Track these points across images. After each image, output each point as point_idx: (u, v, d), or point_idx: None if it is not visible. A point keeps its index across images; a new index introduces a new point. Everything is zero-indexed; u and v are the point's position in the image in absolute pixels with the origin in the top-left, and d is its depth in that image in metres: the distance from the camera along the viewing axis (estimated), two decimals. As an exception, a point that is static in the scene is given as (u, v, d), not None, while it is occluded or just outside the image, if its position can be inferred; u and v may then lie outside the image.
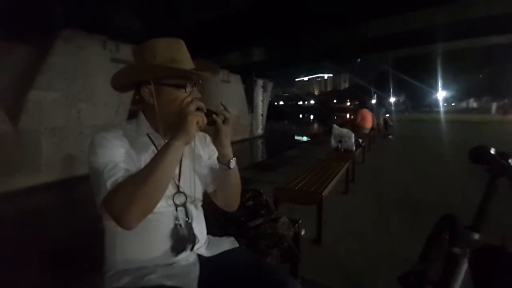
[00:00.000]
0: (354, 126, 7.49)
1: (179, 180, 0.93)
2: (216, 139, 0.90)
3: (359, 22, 8.98)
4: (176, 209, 0.90)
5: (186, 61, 0.90)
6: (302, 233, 1.61)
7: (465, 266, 1.09)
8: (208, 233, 1.03)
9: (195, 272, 0.91)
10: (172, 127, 0.84)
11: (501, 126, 16.39)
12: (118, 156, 0.83)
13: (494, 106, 39.78)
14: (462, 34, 11.13)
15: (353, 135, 4.52)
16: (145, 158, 0.85)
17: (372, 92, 29.20)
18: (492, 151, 1.11)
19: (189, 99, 0.84)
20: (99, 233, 0.92)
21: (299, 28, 8.81)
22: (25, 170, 6.15)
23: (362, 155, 5.66)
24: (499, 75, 32.22)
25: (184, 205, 0.92)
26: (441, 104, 36.93)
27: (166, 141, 0.83)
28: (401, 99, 44.13)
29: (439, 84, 33.29)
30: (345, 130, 4.66)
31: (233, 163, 0.93)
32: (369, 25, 9.23)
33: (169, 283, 0.83)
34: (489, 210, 1.12)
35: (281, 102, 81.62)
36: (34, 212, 5.12)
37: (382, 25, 9.28)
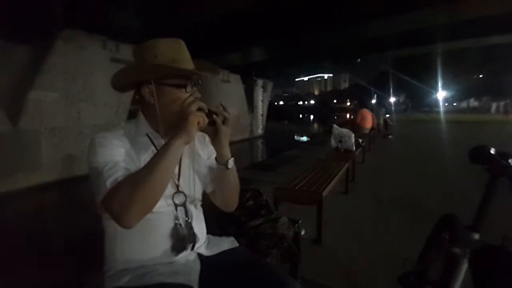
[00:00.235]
0: (354, 126, 7.49)
1: (178, 179, 0.93)
2: (215, 139, 0.91)
3: (359, 22, 8.97)
4: (176, 209, 0.90)
5: (187, 62, 0.90)
6: (302, 233, 1.61)
7: (465, 266, 1.09)
8: (208, 233, 1.04)
9: (196, 269, 0.92)
10: (172, 127, 0.84)
11: (502, 126, 16.38)
12: (118, 155, 0.83)
13: (493, 106, 39.80)
14: (462, 34, 11.13)
15: (353, 135, 4.52)
16: (145, 158, 0.85)
17: (372, 92, 29.20)
18: (492, 151, 1.11)
19: (190, 99, 0.85)
20: (99, 233, 0.92)
21: (299, 28, 8.81)
22: (25, 170, 6.15)
23: (362, 155, 5.66)
24: (499, 75, 32.22)
25: (183, 204, 0.92)
26: (441, 104, 36.92)
27: (165, 141, 0.83)
28: (401, 99, 44.12)
29: (439, 84, 33.30)
30: (345, 130, 4.66)
31: (231, 163, 0.94)
32: (369, 25, 9.23)
33: (170, 280, 0.83)
34: (489, 210, 1.12)
35: (281, 102, 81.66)
36: (34, 212, 5.12)
37: (382, 25, 9.28)
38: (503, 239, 1.00)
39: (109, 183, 0.77)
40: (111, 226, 0.83)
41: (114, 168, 0.79)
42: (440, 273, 1.18)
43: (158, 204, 0.81)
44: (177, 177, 0.93)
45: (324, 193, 2.39)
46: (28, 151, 6.26)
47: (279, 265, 1.32)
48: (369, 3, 7.73)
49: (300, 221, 1.60)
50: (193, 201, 0.96)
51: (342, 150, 4.41)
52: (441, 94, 36.92)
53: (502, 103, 38.11)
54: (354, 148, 4.47)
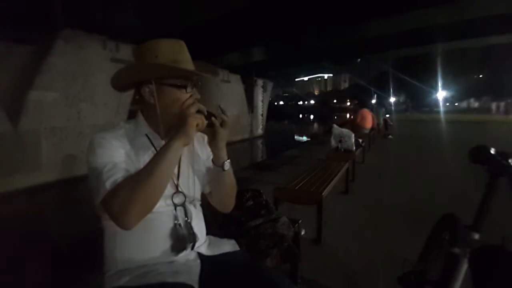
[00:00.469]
0: (354, 126, 7.49)
1: (177, 179, 0.93)
2: (212, 141, 0.91)
3: (359, 22, 8.98)
4: (175, 209, 0.91)
5: (187, 62, 0.90)
6: (302, 233, 1.61)
7: (465, 266, 1.09)
8: (208, 233, 1.04)
9: (196, 268, 0.92)
10: (172, 127, 0.85)
11: (503, 126, 16.38)
12: (117, 156, 0.83)
13: (493, 106, 39.79)
14: (462, 34, 11.15)
15: (353, 135, 4.52)
16: (144, 158, 0.85)
17: (372, 92, 29.19)
18: (492, 151, 1.11)
19: (190, 101, 0.85)
20: (99, 233, 0.92)
21: (299, 28, 8.81)
22: (25, 170, 6.15)
23: (362, 155, 5.66)
24: (499, 75, 32.23)
25: (183, 204, 0.92)
26: (441, 104, 36.93)
27: (165, 141, 0.84)
28: (401, 99, 44.13)
29: (439, 84, 33.31)
30: (345, 130, 4.66)
31: (227, 165, 0.94)
32: (369, 25, 9.24)
33: (170, 280, 0.83)
34: (489, 210, 1.12)
35: (281, 102, 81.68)
36: (34, 212, 5.12)
37: (382, 25, 9.29)
38: (503, 239, 1.00)
39: (108, 184, 0.77)
40: (110, 226, 0.83)
41: (113, 169, 0.79)
42: (440, 273, 1.18)
43: (157, 204, 0.81)
44: (176, 177, 0.93)
45: (324, 193, 2.39)
46: (28, 151, 6.25)
47: (278, 267, 1.32)
48: (369, 3, 7.73)
49: (300, 221, 1.60)
50: (192, 201, 0.96)
51: (342, 150, 4.41)
52: (441, 94, 36.93)
53: (502, 103, 38.12)
54: (354, 148, 4.46)
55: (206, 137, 1.04)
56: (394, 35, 10.09)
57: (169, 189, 0.89)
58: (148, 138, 0.91)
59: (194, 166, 0.98)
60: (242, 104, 15.44)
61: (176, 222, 0.90)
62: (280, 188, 2.50)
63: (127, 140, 0.88)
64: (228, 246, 1.04)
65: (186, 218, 0.92)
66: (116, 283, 0.85)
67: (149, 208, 0.79)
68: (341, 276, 1.97)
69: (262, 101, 17.40)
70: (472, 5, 8.05)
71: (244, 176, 4.77)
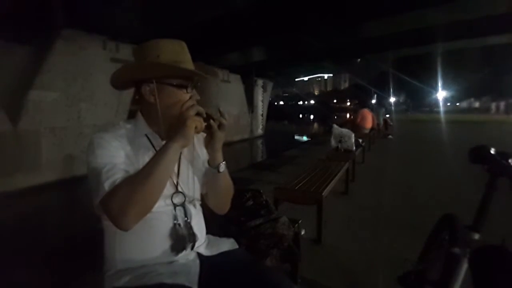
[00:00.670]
0: (354, 126, 7.49)
1: (177, 179, 0.93)
2: (209, 143, 0.92)
3: (359, 22, 8.97)
4: (175, 209, 0.91)
5: (188, 63, 0.91)
6: (302, 233, 1.61)
7: (465, 266, 1.09)
8: (208, 233, 1.04)
9: (196, 269, 0.92)
10: (171, 128, 0.85)
11: (504, 126, 16.37)
12: (117, 157, 0.83)
13: (493, 106, 39.81)
14: (462, 34, 11.13)
15: (353, 135, 4.52)
16: (144, 159, 0.85)
17: (372, 92, 29.19)
18: (492, 151, 1.11)
19: (190, 102, 0.85)
20: (99, 233, 0.92)
21: (299, 28, 8.80)
22: (25, 170, 6.14)
23: (362, 155, 5.66)
24: (499, 75, 32.22)
25: (182, 204, 0.92)
26: (441, 104, 36.93)
27: (165, 141, 0.84)
28: (401, 99, 44.13)
29: (439, 84, 33.31)
30: (345, 130, 4.66)
31: (222, 167, 0.94)
32: (369, 25, 9.23)
33: (169, 280, 0.83)
34: (489, 210, 1.12)
35: (281, 102, 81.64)
36: (34, 212, 5.12)
37: (382, 25, 9.28)
38: (503, 239, 1.00)
39: (107, 185, 0.77)
40: (110, 226, 0.83)
41: (112, 170, 0.79)
42: (440, 273, 1.18)
43: (157, 204, 0.81)
44: (176, 176, 0.93)
45: (324, 193, 2.39)
46: (28, 151, 6.25)
47: (278, 266, 1.32)
48: (369, 3, 7.72)
49: (300, 221, 1.60)
50: (192, 201, 0.96)
51: (342, 150, 4.41)
52: (441, 94, 36.94)
53: (502, 103, 38.13)
54: (354, 148, 4.46)
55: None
56: (394, 35, 10.07)
57: (168, 189, 0.89)
58: (148, 138, 0.91)
59: (194, 166, 0.99)
60: (242, 104, 15.43)
61: (175, 222, 0.90)
62: (280, 188, 2.50)
63: (126, 140, 0.88)
64: (227, 244, 1.04)
65: (186, 218, 0.92)
66: (116, 283, 0.85)
67: (148, 209, 0.79)
68: (341, 276, 1.97)
69: (262, 101, 17.38)
70: (472, 5, 8.05)
71: (244, 176, 4.77)
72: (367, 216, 3.06)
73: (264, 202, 1.51)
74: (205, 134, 0.92)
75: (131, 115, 0.97)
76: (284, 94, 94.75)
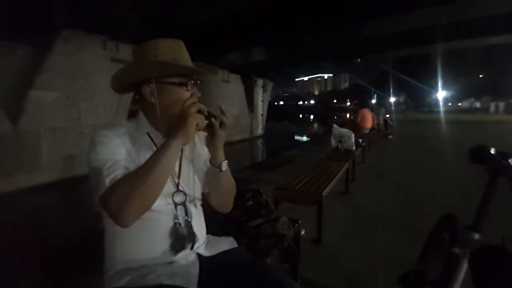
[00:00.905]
0: (354, 126, 7.48)
1: (178, 178, 0.93)
2: (210, 142, 0.91)
3: (359, 22, 8.98)
4: (176, 208, 0.90)
5: (187, 61, 0.91)
6: (302, 233, 1.61)
7: (465, 266, 1.09)
8: (208, 233, 1.04)
9: (195, 270, 0.92)
10: (172, 126, 0.84)
11: (505, 126, 16.37)
12: (118, 154, 0.83)
13: (492, 106, 39.83)
14: (462, 34, 11.14)
15: (353, 135, 4.52)
16: (145, 156, 0.85)
17: (372, 92, 29.20)
18: (492, 151, 1.11)
19: (191, 100, 0.85)
20: (99, 233, 0.92)
21: (299, 28, 8.81)
22: (25, 170, 6.14)
23: (362, 155, 5.66)
24: (499, 75, 32.24)
25: (183, 203, 0.92)
26: (441, 104, 36.94)
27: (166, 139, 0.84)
28: (401, 99, 44.14)
29: (439, 84, 33.33)
30: (345, 130, 4.66)
31: (224, 165, 0.94)
32: (369, 25, 9.25)
33: (168, 282, 0.83)
34: (489, 210, 1.12)
35: (281, 102, 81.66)
36: (34, 212, 5.12)
37: (382, 25, 9.29)
38: (503, 239, 1.00)
39: (108, 181, 0.77)
40: (111, 225, 0.83)
41: (113, 167, 0.79)
42: (440, 273, 1.18)
43: (157, 203, 0.81)
44: (177, 175, 0.93)
45: (324, 193, 2.39)
46: (28, 151, 6.25)
47: (278, 266, 1.32)
48: (369, 3, 7.73)
49: (300, 221, 1.60)
50: (192, 201, 0.96)
51: (342, 150, 4.41)
52: (441, 94, 36.96)
53: (502, 103, 38.15)
54: (354, 148, 4.46)
55: None
56: (394, 35, 10.09)
57: (169, 188, 0.89)
58: (150, 136, 0.91)
59: (195, 165, 0.98)
60: (242, 104, 15.43)
61: (176, 221, 0.89)
62: (280, 188, 2.50)
63: (128, 138, 0.88)
64: (226, 244, 1.04)
65: (187, 217, 0.92)
66: (116, 283, 0.85)
67: (147, 206, 0.79)
68: (341, 276, 1.97)
69: (262, 101, 17.39)
70: (472, 5, 8.05)
71: (244, 176, 4.77)
72: (367, 216, 3.05)
73: (264, 202, 1.51)
74: (206, 133, 0.92)
75: (131, 115, 0.97)
76: (284, 94, 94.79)
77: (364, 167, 5.27)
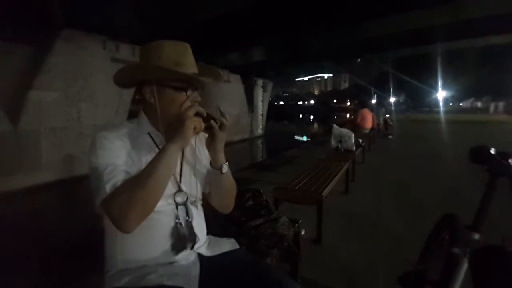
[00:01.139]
0: (354, 126, 7.48)
1: (180, 179, 0.94)
2: (210, 144, 0.91)
3: (359, 22, 8.98)
4: (177, 208, 0.91)
5: (190, 65, 0.90)
6: (302, 233, 1.61)
7: (465, 266, 1.09)
8: (208, 233, 1.04)
9: (196, 271, 0.92)
10: (170, 128, 0.85)
11: (506, 126, 16.37)
12: (119, 157, 0.83)
13: (492, 106, 39.85)
14: (462, 34, 11.14)
15: (353, 135, 4.52)
16: (146, 157, 0.85)
17: (372, 92, 29.20)
18: (492, 151, 1.11)
19: (188, 103, 0.85)
20: (99, 233, 0.92)
21: (299, 28, 8.81)
22: (25, 170, 6.14)
23: (362, 155, 5.66)
24: (499, 75, 32.23)
25: (184, 204, 0.92)
26: (441, 104, 36.95)
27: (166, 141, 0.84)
28: (401, 99, 44.15)
29: (439, 84, 33.33)
30: (345, 130, 4.66)
31: (225, 168, 0.94)
32: (369, 25, 9.24)
33: (169, 282, 0.83)
34: (489, 210, 1.12)
35: (281, 102, 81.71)
36: (34, 212, 5.12)
37: (382, 25, 9.28)
38: (503, 239, 1.00)
39: (108, 187, 0.77)
40: (111, 225, 0.83)
41: (114, 172, 0.79)
42: (440, 273, 1.18)
43: (159, 203, 0.82)
44: (178, 176, 0.93)
45: (324, 193, 2.39)
46: (28, 151, 6.25)
47: (278, 266, 1.32)
48: (369, 3, 7.72)
49: (300, 221, 1.60)
50: (194, 202, 0.96)
51: (342, 150, 4.41)
52: (441, 94, 36.96)
53: (501, 103, 38.17)
54: (354, 148, 4.46)
55: None
56: (394, 35, 10.07)
57: (171, 188, 0.89)
58: (151, 136, 0.91)
59: (196, 166, 0.99)
60: (242, 104, 15.43)
61: (177, 221, 0.90)
62: (280, 188, 2.50)
63: (129, 139, 0.88)
64: (227, 245, 1.04)
65: (187, 218, 0.92)
66: (117, 283, 0.85)
67: (148, 211, 0.79)
68: (341, 276, 1.97)
69: (262, 101, 17.39)
70: (472, 5, 8.05)
71: (244, 176, 4.77)
72: (367, 216, 3.05)
73: (264, 202, 1.51)
74: (207, 135, 0.92)
75: (131, 115, 0.97)
76: (284, 94, 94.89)
77: (364, 167, 5.27)
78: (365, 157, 5.84)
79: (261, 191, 1.56)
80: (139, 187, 0.76)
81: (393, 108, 28.32)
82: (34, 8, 5.56)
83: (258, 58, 12.78)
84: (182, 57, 0.89)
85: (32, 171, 6.27)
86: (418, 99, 44.18)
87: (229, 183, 0.99)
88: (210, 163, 0.96)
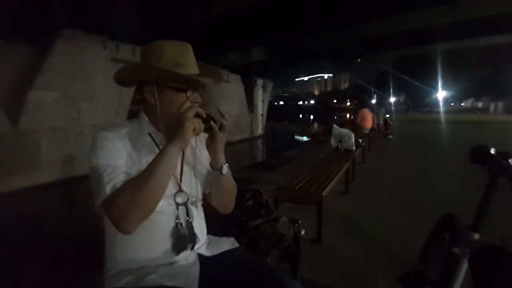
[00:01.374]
0: (354, 126, 7.49)
1: (180, 179, 0.94)
2: (210, 145, 0.91)
3: (359, 22, 8.98)
4: (177, 208, 0.91)
5: (191, 66, 0.90)
6: (302, 233, 1.61)
7: (465, 266, 1.09)
8: (208, 233, 1.04)
9: (196, 271, 0.92)
10: (170, 129, 0.85)
11: (506, 126, 16.36)
12: (119, 158, 0.83)
13: (492, 106, 39.87)
14: (462, 34, 11.14)
15: (353, 135, 4.52)
16: (147, 158, 0.86)
17: (372, 92, 29.21)
18: (492, 151, 1.11)
19: (188, 104, 0.85)
20: (100, 233, 0.92)
21: (299, 28, 8.81)
22: (25, 170, 6.14)
23: (362, 155, 5.66)
24: (499, 75, 32.23)
25: (185, 204, 0.92)
26: (441, 104, 36.96)
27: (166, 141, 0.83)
28: (401, 99, 44.16)
29: (439, 84, 33.34)
30: (345, 130, 4.66)
31: (225, 169, 0.94)
32: (369, 25, 9.24)
33: (169, 283, 0.83)
34: (489, 210, 1.12)
35: (281, 102, 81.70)
36: (34, 212, 5.12)
37: (382, 25, 9.28)
38: (503, 239, 1.00)
39: (108, 188, 0.77)
40: (111, 226, 0.84)
41: (114, 173, 0.79)
42: (440, 273, 1.18)
43: (159, 203, 0.82)
44: (179, 176, 0.93)
45: (324, 193, 2.39)
46: (28, 151, 6.25)
47: (279, 265, 1.32)
48: (369, 3, 7.72)
49: (300, 221, 1.60)
50: (194, 202, 0.96)
51: (342, 150, 4.41)
52: (441, 94, 36.96)
53: (500, 103, 38.19)
54: (354, 148, 4.47)
55: None
56: (394, 35, 10.07)
57: (171, 188, 0.89)
58: (151, 137, 0.91)
59: (197, 166, 0.98)
60: (242, 104, 15.43)
61: (177, 221, 0.90)
62: (280, 188, 2.50)
63: (129, 139, 0.88)
64: (227, 244, 1.04)
65: (188, 218, 0.92)
66: (117, 283, 0.85)
67: (148, 213, 0.79)
68: (341, 276, 1.97)
69: (262, 101, 17.38)
70: (472, 5, 8.05)
71: (244, 176, 4.77)
72: (367, 216, 3.05)
73: (264, 202, 1.51)
74: (207, 135, 0.92)
75: (131, 115, 0.97)
76: (284, 94, 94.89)
77: (364, 167, 5.27)
78: (365, 157, 5.84)
79: (261, 191, 1.56)
80: (139, 189, 0.76)
81: (393, 108, 28.34)
82: (34, 8, 5.56)
83: (258, 58, 12.78)
84: (183, 58, 0.89)
85: (32, 171, 6.27)
86: (418, 99, 44.19)
87: (229, 184, 0.99)
88: (210, 164, 0.96)
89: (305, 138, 17.47)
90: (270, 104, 19.89)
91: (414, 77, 30.28)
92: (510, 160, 1.07)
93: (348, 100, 69.58)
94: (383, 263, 2.05)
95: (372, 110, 9.49)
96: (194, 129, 0.82)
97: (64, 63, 6.69)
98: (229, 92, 13.57)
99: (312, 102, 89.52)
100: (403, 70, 28.02)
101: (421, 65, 30.11)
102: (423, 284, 1.30)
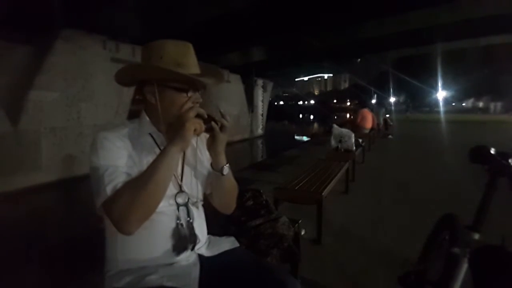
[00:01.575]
0: (354, 126, 7.48)
1: (181, 180, 0.93)
2: (211, 146, 0.91)
3: (359, 22, 8.98)
4: (178, 209, 0.91)
5: (192, 66, 0.90)
6: (302, 233, 1.61)
7: (465, 266, 1.09)
8: (208, 233, 1.04)
9: (196, 272, 0.92)
10: (171, 129, 0.84)
11: (506, 126, 16.36)
12: (120, 158, 0.83)
13: (492, 106, 39.90)
14: (462, 34, 11.14)
15: (353, 135, 4.52)
16: (147, 158, 0.85)
17: (372, 92, 29.20)
18: (492, 151, 1.11)
19: (189, 104, 0.85)
20: (100, 233, 0.92)
21: (299, 28, 8.81)
22: (25, 170, 6.14)
23: (362, 155, 5.66)
24: (499, 75, 32.24)
25: (186, 204, 0.92)
26: (441, 104, 36.96)
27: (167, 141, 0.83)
28: (401, 99, 44.16)
29: (439, 84, 33.34)
30: (345, 130, 4.66)
31: (226, 169, 0.93)
32: (369, 25, 9.24)
33: (169, 283, 0.83)
34: (489, 210, 1.12)
35: (281, 102, 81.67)
36: (34, 212, 5.12)
37: (382, 25, 9.29)
38: (503, 239, 1.00)
39: (108, 189, 0.77)
40: (112, 225, 0.83)
41: (114, 173, 0.79)
42: (440, 273, 1.18)
43: (160, 204, 0.81)
44: (180, 177, 0.93)
45: (324, 193, 2.39)
46: (28, 151, 6.25)
47: (279, 265, 1.32)
48: (369, 3, 7.72)
49: (300, 221, 1.60)
50: (195, 203, 0.96)
51: (342, 150, 4.41)
52: (441, 94, 36.96)
53: (499, 103, 38.23)
54: (354, 148, 4.47)
55: None
56: (394, 35, 10.08)
57: (172, 189, 0.89)
58: (152, 137, 0.91)
59: (197, 167, 0.98)
60: (242, 104, 15.43)
61: (178, 222, 0.90)
62: (280, 188, 2.50)
63: (130, 140, 0.88)
64: (227, 243, 1.04)
65: (188, 219, 0.92)
66: (117, 283, 0.85)
67: (149, 214, 0.79)
68: (341, 276, 1.97)
69: (262, 101, 17.38)
70: (472, 5, 8.06)
71: (244, 176, 4.77)
72: (367, 216, 3.05)
73: (264, 202, 1.51)
74: (208, 136, 0.91)
75: (131, 115, 0.96)
76: (284, 94, 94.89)
77: (364, 167, 5.27)
78: (365, 157, 5.84)
79: (261, 191, 1.56)
80: (139, 190, 0.76)
81: (393, 108, 28.33)
82: (34, 8, 5.56)
83: (258, 58, 12.78)
84: (184, 58, 0.88)
85: (32, 171, 6.27)
86: (418, 99, 44.19)
87: (230, 184, 0.99)
88: (211, 164, 0.95)
89: (305, 138, 17.45)
90: (270, 104, 19.90)
91: (414, 77, 30.29)
92: (510, 160, 1.07)
93: (348, 100, 69.52)
94: (383, 263, 2.05)
95: (372, 110, 9.48)
96: (195, 130, 0.82)
97: (64, 63, 6.69)
98: (229, 92, 13.57)
99: (312, 102, 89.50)
100: (403, 70, 28.03)
101: (421, 65, 30.12)
102: (423, 284, 1.30)
